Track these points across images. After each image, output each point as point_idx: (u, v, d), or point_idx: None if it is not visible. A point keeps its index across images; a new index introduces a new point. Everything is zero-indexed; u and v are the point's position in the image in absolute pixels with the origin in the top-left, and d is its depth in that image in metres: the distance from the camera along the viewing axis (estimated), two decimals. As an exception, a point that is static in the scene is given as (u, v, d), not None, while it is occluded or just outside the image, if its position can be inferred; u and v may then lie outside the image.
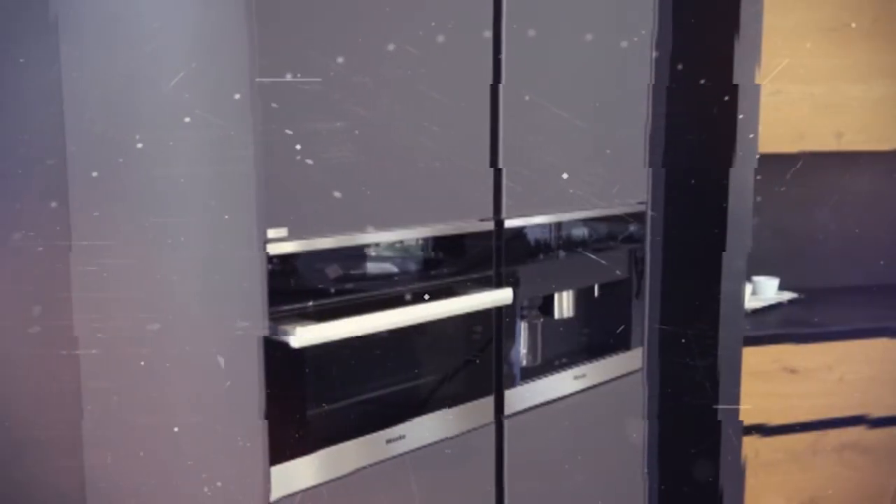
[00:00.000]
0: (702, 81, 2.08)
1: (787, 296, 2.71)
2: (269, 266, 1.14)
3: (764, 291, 2.68)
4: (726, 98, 2.03)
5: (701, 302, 2.10)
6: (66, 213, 1.34)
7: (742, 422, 2.20)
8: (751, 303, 2.60)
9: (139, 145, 1.22)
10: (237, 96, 1.11)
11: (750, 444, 2.36)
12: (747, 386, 2.27)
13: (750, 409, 2.32)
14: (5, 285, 1.40)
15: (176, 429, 1.27)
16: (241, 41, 1.09)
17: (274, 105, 1.12)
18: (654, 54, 2.02)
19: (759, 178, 2.07)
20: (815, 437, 2.43)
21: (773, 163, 2.58)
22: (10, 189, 1.37)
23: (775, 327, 2.41)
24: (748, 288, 2.68)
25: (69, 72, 1.31)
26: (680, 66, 2.08)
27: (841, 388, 2.43)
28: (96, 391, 1.36)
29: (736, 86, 2.01)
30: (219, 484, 1.21)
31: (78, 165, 1.33)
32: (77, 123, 1.32)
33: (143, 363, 1.29)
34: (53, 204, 1.33)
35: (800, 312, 2.60)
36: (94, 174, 1.31)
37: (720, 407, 2.12)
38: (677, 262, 2.13)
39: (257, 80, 1.09)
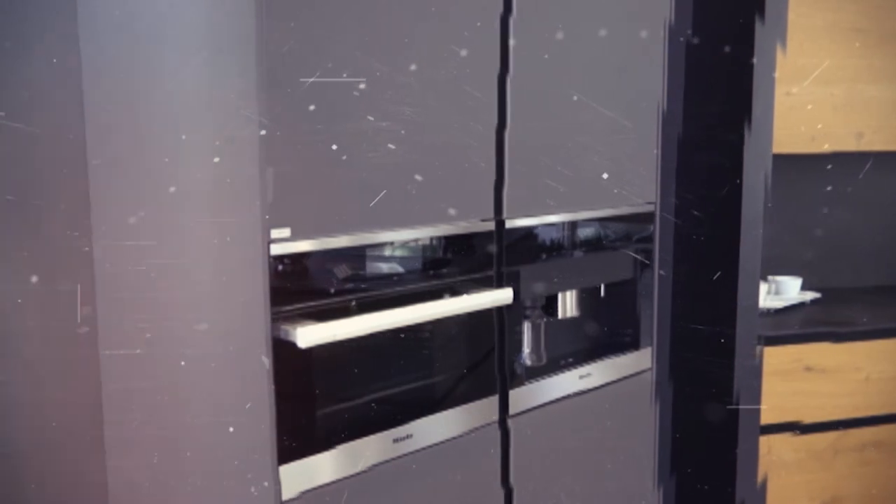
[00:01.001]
0: (717, 77, 2.07)
1: (810, 296, 2.69)
2: (274, 266, 1.15)
3: (786, 291, 2.67)
4: (742, 94, 2.02)
5: (716, 301, 2.09)
6: (88, 210, 1.36)
7: (760, 423, 2.18)
8: (773, 303, 2.59)
9: (169, 144, 1.24)
10: (243, 99, 1.12)
11: (773, 443, 2.34)
12: (770, 386, 2.25)
13: (773, 409, 2.30)
14: (40, 286, 1.43)
15: (185, 428, 1.29)
16: (248, 46, 1.11)
17: (278, 107, 1.13)
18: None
19: (781, 178, 2.06)
20: (839, 437, 2.40)
21: (794, 162, 2.57)
22: (52, 189, 1.39)
23: (798, 327, 2.39)
24: (772, 288, 2.66)
25: (90, 72, 1.33)
26: (695, 63, 2.08)
27: (868, 387, 2.41)
28: (117, 392, 1.39)
29: (752, 82, 2.00)
30: (225, 482, 1.24)
31: (103, 164, 1.35)
32: (99, 123, 1.34)
33: (159, 364, 1.31)
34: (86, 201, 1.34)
35: (823, 312, 2.57)
36: (111, 172, 1.33)
37: (740, 407, 2.11)
38: (690, 262, 2.13)
39: (262, 84, 1.11)
